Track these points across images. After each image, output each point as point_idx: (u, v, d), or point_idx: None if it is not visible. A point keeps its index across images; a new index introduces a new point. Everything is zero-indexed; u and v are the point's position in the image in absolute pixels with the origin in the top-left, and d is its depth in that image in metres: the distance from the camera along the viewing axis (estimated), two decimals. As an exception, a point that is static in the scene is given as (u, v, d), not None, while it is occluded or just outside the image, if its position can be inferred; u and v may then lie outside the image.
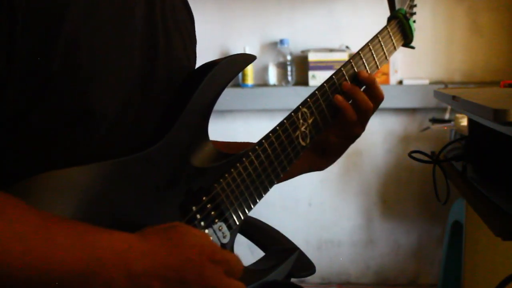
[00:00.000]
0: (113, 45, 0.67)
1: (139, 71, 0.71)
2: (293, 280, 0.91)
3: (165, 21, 0.78)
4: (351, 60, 0.93)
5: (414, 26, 1.06)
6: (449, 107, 2.16)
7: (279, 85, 2.43)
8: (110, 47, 0.67)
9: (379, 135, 2.46)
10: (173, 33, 0.80)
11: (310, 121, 0.88)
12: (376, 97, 0.93)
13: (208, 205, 0.76)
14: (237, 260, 0.68)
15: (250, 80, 2.42)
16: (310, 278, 2.49)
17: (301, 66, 2.44)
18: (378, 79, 2.35)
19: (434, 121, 2.18)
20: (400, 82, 2.39)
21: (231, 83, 2.38)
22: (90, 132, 0.66)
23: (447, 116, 2.22)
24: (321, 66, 2.32)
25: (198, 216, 0.75)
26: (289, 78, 2.42)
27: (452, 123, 2.00)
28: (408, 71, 2.42)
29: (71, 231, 0.58)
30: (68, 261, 0.56)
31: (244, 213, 0.81)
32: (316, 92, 0.89)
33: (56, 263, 0.56)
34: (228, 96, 2.36)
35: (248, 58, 0.82)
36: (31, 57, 0.60)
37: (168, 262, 0.61)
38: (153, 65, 0.74)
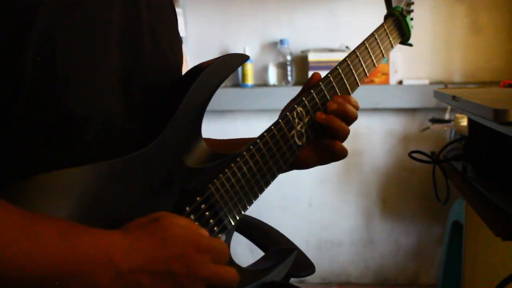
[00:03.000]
0: (89, 44, 0.66)
1: (119, 70, 0.70)
2: (293, 280, 0.91)
3: (151, 18, 0.77)
4: (347, 59, 0.93)
5: (412, 23, 1.06)
6: (449, 107, 2.16)
7: (279, 85, 2.43)
8: (86, 46, 0.66)
9: (379, 135, 2.46)
10: (160, 31, 0.79)
11: (306, 120, 0.88)
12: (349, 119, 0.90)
13: (202, 206, 0.75)
14: (223, 245, 0.67)
15: (250, 80, 2.42)
16: (310, 278, 2.49)
17: (301, 66, 2.44)
18: (378, 79, 2.36)
19: (434, 121, 2.18)
20: (400, 82, 2.39)
21: (231, 83, 2.38)
22: (75, 134, 0.65)
23: (447, 116, 2.22)
24: (321, 66, 2.32)
25: (192, 216, 0.74)
26: (289, 78, 2.42)
27: (452, 123, 2.01)
28: (408, 71, 2.42)
29: (54, 228, 0.57)
30: (51, 259, 0.55)
31: (239, 213, 0.80)
32: (312, 91, 0.89)
33: (39, 260, 0.55)
34: (228, 96, 2.37)
35: (241, 58, 0.82)
36: (2, 55, 0.59)
37: (154, 255, 0.60)
38: (137, 63, 0.73)
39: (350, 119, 0.89)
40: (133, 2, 0.74)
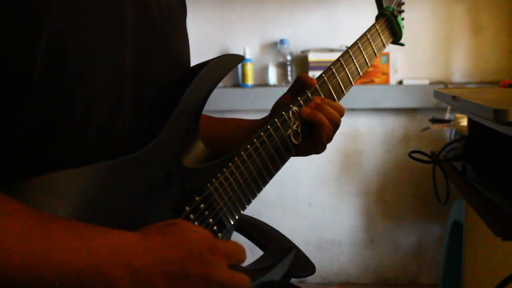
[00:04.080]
0: (101, 44, 0.66)
1: (131, 70, 0.70)
2: (293, 280, 0.91)
3: (162, 17, 0.77)
4: (340, 59, 0.95)
5: (403, 23, 1.08)
6: (449, 107, 2.16)
7: (279, 85, 2.43)
8: (98, 46, 0.66)
9: (379, 135, 2.46)
10: (170, 30, 0.79)
11: (302, 119, 0.89)
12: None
13: (201, 205, 0.76)
14: (241, 250, 0.67)
15: (250, 80, 2.42)
16: (310, 278, 2.49)
17: (301, 66, 2.44)
18: (378, 79, 2.36)
19: (434, 121, 2.18)
20: (400, 82, 2.39)
21: (231, 83, 2.38)
22: (79, 132, 0.65)
23: (447, 116, 2.22)
24: (321, 66, 2.31)
25: (192, 216, 0.75)
26: (289, 78, 2.42)
27: (452, 123, 2.00)
28: (408, 71, 2.42)
29: (70, 229, 0.58)
30: (67, 259, 0.55)
31: (238, 212, 0.81)
32: (307, 91, 0.90)
33: (55, 261, 0.55)
34: (228, 96, 2.37)
35: (236, 59, 0.83)
36: (12, 56, 0.59)
37: (169, 256, 0.60)
38: (148, 63, 0.73)
39: (331, 121, 0.90)
40: (144, 2, 0.74)
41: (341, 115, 0.92)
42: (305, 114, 0.88)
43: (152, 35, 0.75)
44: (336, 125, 0.91)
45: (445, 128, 2.19)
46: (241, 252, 0.67)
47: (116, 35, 0.69)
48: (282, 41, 2.41)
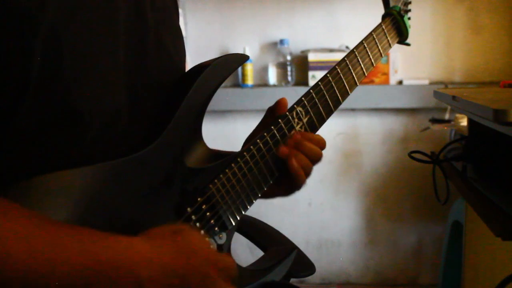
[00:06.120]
0: (95, 44, 0.66)
1: (125, 69, 0.70)
2: (293, 280, 0.91)
3: (155, 17, 0.77)
4: (346, 58, 0.93)
5: (410, 23, 1.07)
6: (449, 107, 2.15)
7: (279, 85, 2.42)
8: (92, 46, 0.66)
9: (379, 135, 2.46)
10: (164, 30, 0.79)
11: (305, 120, 0.88)
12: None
13: (203, 206, 0.76)
14: (232, 261, 0.69)
15: (250, 80, 2.42)
16: (310, 278, 2.49)
17: (301, 66, 2.43)
18: (378, 79, 2.35)
19: (434, 121, 2.17)
20: (400, 82, 2.39)
21: (231, 83, 2.39)
22: (78, 134, 0.65)
23: (447, 116, 2.22)
24: (321, 66, 2.32)
25: (194, 217, 0.75)
26: (289, 78, 2.42)
27: (452, 123, 2.00)
28: (408, 71, 2.42)
29: (75, 235, 0.58)
30: (72, 265, 0.55)
31: (239, 213, 0.81)
32: (311, 90, 0.89)
33: (60, 267, 0.55)
34: (228, 96, 2.37)
35: (241, 58, 0.82)
36: (8, 57, 0.59)
37: (174, 269, 0.61)
38: (142, 63, 0.74)
39: (312, 158, 0.86)
40: (138, 2, 0.74)
41: (323, 148, 0.87)
42: (282, 153, 0.83)
43: (146, 35, 0.75)
44: (317, 161, 0.86)
45: (445, 128, 2.19)
46: (233, 266, 0.68)
47: (110, 35, 0.69)
48: (282, 41, 2.41)
